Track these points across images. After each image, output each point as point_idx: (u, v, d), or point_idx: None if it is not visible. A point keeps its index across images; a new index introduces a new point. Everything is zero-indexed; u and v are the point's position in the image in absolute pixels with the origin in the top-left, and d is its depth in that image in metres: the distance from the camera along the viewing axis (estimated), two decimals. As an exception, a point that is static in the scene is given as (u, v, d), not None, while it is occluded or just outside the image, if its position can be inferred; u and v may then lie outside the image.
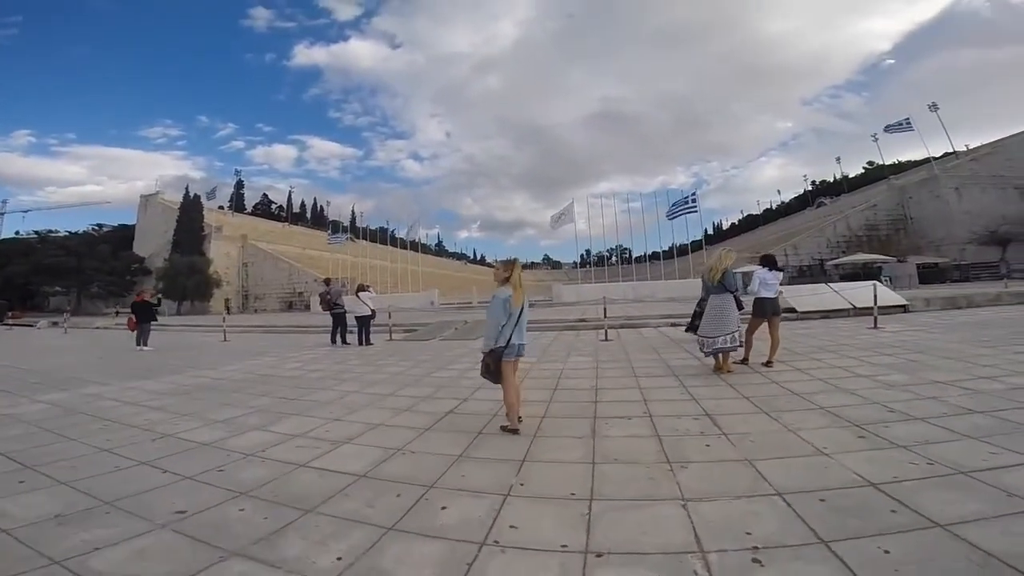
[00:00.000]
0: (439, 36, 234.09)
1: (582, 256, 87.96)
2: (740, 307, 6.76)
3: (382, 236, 50.03)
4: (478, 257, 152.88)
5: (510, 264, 4.44)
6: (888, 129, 44.33)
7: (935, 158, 47.09)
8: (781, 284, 7.23)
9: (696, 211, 28.33)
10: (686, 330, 9.09)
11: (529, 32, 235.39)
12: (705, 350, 6.44)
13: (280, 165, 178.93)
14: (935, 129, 45.81)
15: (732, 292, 6.48)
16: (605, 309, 11.04)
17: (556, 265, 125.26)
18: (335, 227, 54.57)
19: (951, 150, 48.11)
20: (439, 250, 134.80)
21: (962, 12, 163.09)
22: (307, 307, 39.63)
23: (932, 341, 7.87)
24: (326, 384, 6.85)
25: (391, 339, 12.89)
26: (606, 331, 10.66)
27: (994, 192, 38.42)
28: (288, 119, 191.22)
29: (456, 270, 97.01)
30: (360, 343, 11.90)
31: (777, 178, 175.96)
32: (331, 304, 12.35)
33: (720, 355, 6.35)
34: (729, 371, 6.27)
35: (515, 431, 4.18)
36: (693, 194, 29.38)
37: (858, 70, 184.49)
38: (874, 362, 6.44)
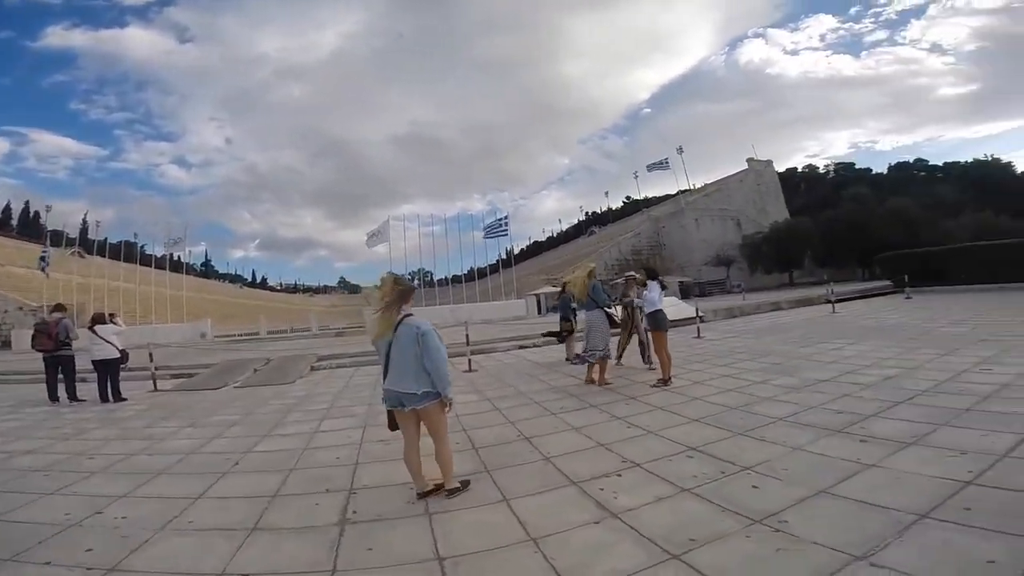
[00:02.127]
0: (244, 36, 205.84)
1: (382, 279, 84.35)
2: (614, 323, 6.94)
3: (128, 252, 39.38)
4: (258, 279, 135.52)
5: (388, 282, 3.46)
6: (650, 168, 53.54)
7: (682, 192, 58.53)
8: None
9: (506, 234, 29.31)
10: (559, 339, 9.04)
11: (351, 45, 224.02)
12: (586, 359, 6.57)
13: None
14: (680, 170, 57.31)
15: (602, 307, 6.67)
16: (467, 336, 9.75)
17: (354, 289, 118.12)
18: (55, 239, 41.38)
19: (688, 187, 60.70)
20: (206, 270, 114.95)
21: (704, 70, 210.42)
22: (6, 344, 28.42)
23: (764, 345, 8.98)
24: (54, 480, 4.03)
25: (156, 389, 9.37)
26: (469, 360, 9.21)
27: (720, 223, 49.58)
28: (7, 107, 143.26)
29: (232, 295, 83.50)
30: (104, 399, 8.26)
31: (557, 209, 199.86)
32: (59, 342, 8.35)
33: (593, 366, 6.49)
34: (606, 384, 6.38)
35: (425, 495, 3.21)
36: (505, 218, 30.65)
37: (623, 115, 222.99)
38: (749, 367, 6.96)
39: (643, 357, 7.59)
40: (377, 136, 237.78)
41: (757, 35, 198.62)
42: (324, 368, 10.80)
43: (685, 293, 36.80)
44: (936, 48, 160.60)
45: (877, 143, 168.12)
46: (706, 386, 5.99)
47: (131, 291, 35.93)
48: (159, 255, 38.02)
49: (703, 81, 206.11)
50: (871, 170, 74.21)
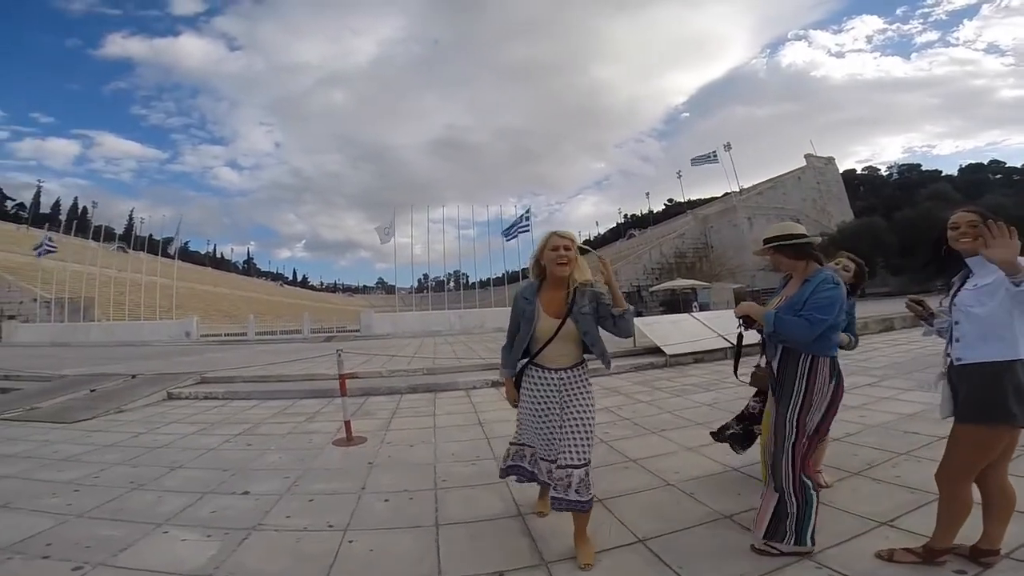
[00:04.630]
0: (287, 44, 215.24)
1: (419, 280, 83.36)
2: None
3: (180, 250, 38.75)
4: (299, 278, 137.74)
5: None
6: (695, 162, 48.87)
7: (735, 193, 53.48)
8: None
9: (528, 230, 25.98)
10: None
11: (390, 52, 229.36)
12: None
13: (53, 161, 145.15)
14: (728, 169, 52.36)
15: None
16: (426, 355, 6.43)
17: (391, 289, 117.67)
18: (98, 233, 41.25)
19: (736, 189, 55.50)
20: (248, 268, 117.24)
21: (743, 73, 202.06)
22: None
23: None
24: None
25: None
26: (347, 426, 4.66)
27: (776, 221, 44.26)
28: (76, 111, 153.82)
29: (269, 292, 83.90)
30: None
31: (594, 212, 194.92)
32: None
33: None
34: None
35: None
36: (526, 213, 27.44)
37: (660, 119, 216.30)
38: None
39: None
40: (414, 140, 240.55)
41: (798, 37, 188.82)
42: (185, 398, 7.19)
43: (739, 301, 32.22)
44: (993, 49, 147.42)
45: (935, 147, 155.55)
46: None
47: (165, 285, 34.91)
48: (176, 248, 36.42)
49: (743, 84, 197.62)
50: (940, 172, 65.95)
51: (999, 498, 1.88)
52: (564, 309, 2.33)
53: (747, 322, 2.29)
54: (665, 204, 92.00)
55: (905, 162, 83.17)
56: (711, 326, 9.06)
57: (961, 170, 66.07)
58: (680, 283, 34.04)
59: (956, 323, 1.91)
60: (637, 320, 9.15)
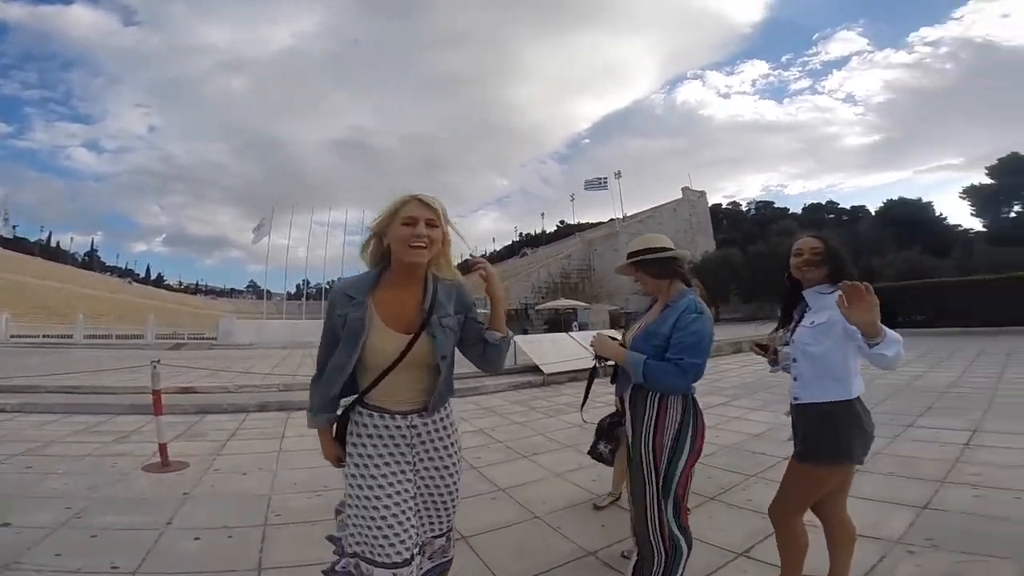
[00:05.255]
0: (193, 24, 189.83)
1: (298, 286, 77.52)
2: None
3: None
4: (153, 276, 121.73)
5: None
6: (587, 186, 51.71)
7: (619, 219, 57.24)
8: None
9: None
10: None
11: (305, 45, 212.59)
12: None
13: None
14: (616, 196, 56.16)
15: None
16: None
17: (264, 294, 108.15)
18: None
19: (620, 216, 59.64)
20: (89, 261, 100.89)
21: (644, 106, 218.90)
22: None
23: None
24: None
25: None
26: (162, 449, 3.86)
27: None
28: None
29: (112, 290, 72.49)
30: None
31: (492, 229, 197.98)
32: None
33: None
34: None
35: None
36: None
37: (565, 143, 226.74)
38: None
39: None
40: (314, 138, 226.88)
41: (696, 76, 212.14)
42: None
43: (614, 323, 34.35)
44: (850, 99, 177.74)
45: (787, 186, 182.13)
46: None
47: None
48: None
49: (641, 116, 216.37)
50: (788, 210, 77.23)
51: (839, 530, 1.91)
52: (416, 318, 1.49)
53: (602, 358, 2.01)
54: (557, 225, 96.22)
55: (762, 199, 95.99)
56: (587, 346, 9.33)
57: (805, 208, 77.49)
58: (563, 303, 35.49)
59: (794, 360, 1.87)
60: (519, 338, 9.15)
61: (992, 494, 2.94)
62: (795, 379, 1.87)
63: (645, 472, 1.79)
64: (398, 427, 1.51)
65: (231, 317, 24.73)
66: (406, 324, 1.49)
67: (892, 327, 1.54)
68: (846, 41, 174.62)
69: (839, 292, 1.55)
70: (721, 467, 3.73)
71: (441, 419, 1.58)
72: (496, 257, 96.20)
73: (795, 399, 1.88)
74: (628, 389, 1.92)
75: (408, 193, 1.50)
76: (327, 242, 56.03)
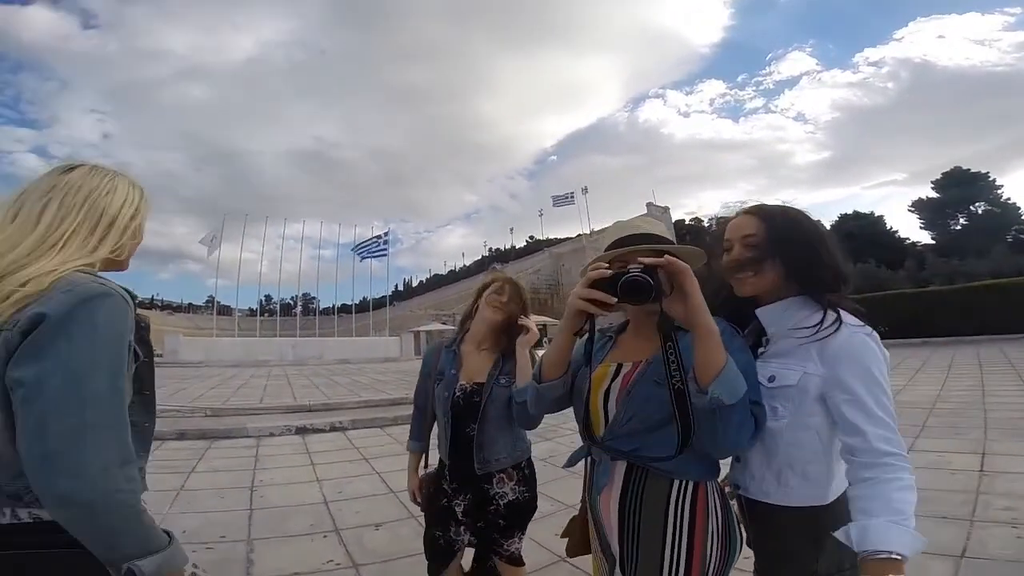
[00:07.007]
0: (155, 29, 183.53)
1: (261, 302, 74.53)
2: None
3: None
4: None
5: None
6: (555, 202, 51.71)
7: (586, 234, 57.36)
8: None
9: (386, 254, 24.37)
10: None
11: (270, 54, 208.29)
12: None
13: None
14: (583, 211, 56.45)
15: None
16: None
17: (225, 310, 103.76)
18: None
19: (587, 231, 59.85)
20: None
21: (607, 123, 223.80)
22: None
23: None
24: None
25: None
26: None
27: (620, 265, 48.58)
28: None
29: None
30: None
31: (461, 244, 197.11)
32: None
33: None
34: None
35: None
36: (385, 235, 25.56)
37: (532, 159, 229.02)
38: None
39: None
40: (275, 148, 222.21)
41: (657, 95, 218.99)
42: None
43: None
44: (800, 117, 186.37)
45: (745, 203, 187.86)
46: None
47: None
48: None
49: (605, 134, 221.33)
50: None
51: None
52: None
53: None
54: (526, 240, 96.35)
55: (722, 216, 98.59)
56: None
57: (759, 225, 79.87)
58: (535, 319, 34.84)
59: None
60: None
61: (1039, 536, 2.44)
62: (737, 460, 1.15)
63: None
64: None
65: (177, 335, 23.03)
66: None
67: None
68: (797, 61, 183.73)
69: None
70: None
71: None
72: (465, 272, 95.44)
73: (735, 486, 1.17)
74: (611, 484, 1.10)
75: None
76: (289, 255, 54.10)
